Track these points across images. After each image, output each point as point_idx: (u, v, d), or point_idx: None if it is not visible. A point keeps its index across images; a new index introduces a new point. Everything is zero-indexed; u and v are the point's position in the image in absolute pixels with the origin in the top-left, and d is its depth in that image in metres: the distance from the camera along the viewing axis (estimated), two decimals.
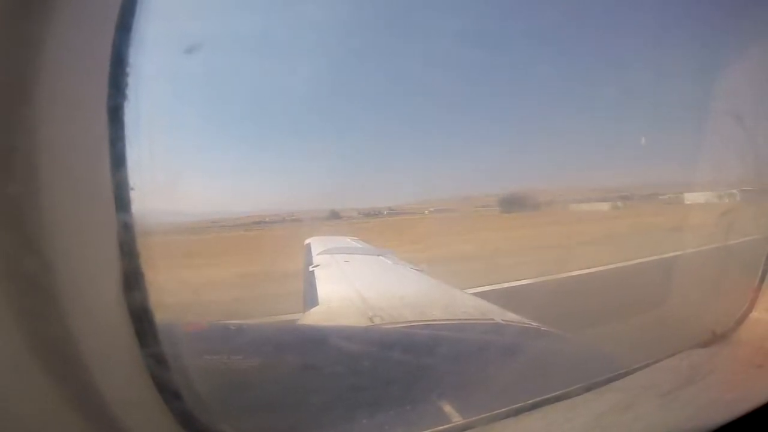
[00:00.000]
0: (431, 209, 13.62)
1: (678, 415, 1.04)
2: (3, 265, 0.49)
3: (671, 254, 3.21)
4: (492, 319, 2.31)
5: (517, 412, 1.05)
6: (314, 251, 4.36)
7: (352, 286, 2.95)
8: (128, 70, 0.56)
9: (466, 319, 2.37)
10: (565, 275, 5.88)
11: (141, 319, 0.64)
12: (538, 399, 1.08)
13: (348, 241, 5.70)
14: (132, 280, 0.62)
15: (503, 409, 1.05)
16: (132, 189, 0.60)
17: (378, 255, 4.34)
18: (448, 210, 13.16)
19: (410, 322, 2.13)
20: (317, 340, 1.82)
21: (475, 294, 3.38)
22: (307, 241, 5.15)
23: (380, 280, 3.44)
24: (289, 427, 1.21)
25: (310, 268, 3.54)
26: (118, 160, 0.58)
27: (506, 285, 5.71)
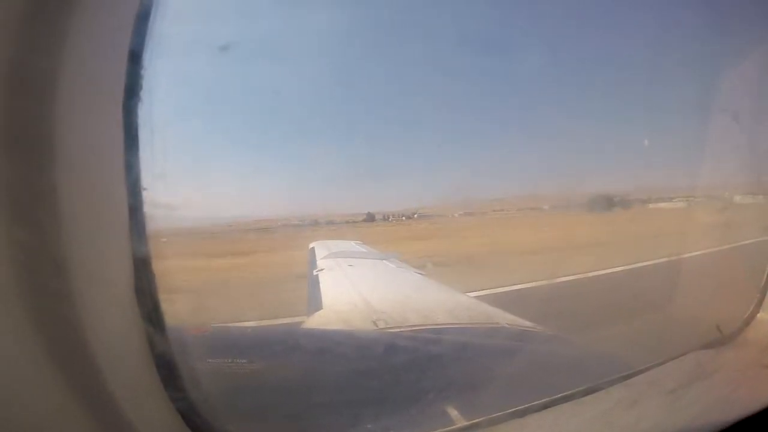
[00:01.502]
0: (460, 212, 13.29)
1: (685, 414, 1.04)
2: (16, 263, 0.49)
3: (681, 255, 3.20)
4: (496, 323, 2.30)
5: (524, 412, 1.04)
6: (318, 255, 4.36)
7: (356, 290, 2.94)
8: (143, 72, 0.57)
9: (470, 323, 2.36)
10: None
11: (151, 320, 0.65)
12: (544, 399, 1.08)
13: (352, 245, 5.69)
14: (143, 280, 0.63)
15: (509, 410, 1.04)
16: (145, 189, 0.61)
17: (382, 259, 4.33)
18: (479, 213, 12.82)
19: (414, 325, 2.13)
20: (321, 344, 1.82)
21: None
22: (311, 245, 5.15)
23: (384, 284, 3.43)
24: (295, 430, 1.21)
25: (314, 272, 3.54)
26: (131, 161, 0.59)
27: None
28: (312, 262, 4.08)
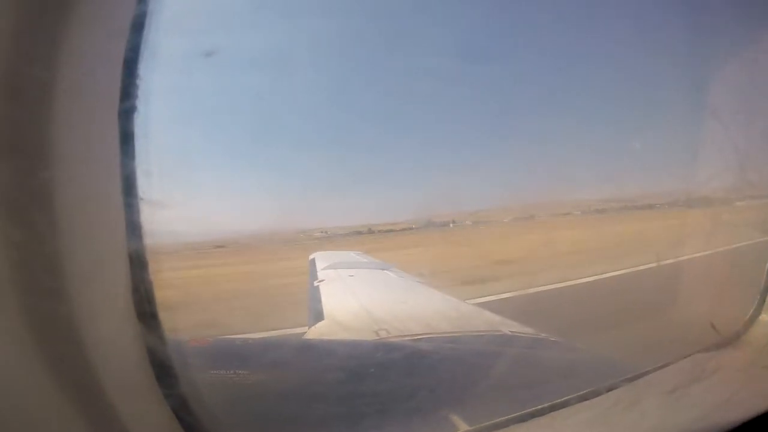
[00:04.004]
0: (510, 218, 12.63)
1: (685, 416, 1.03)
2: (13, 265, 0.50)
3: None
4: (499, 330, 2.29)
5: (524, 417, 1.04)
6: (319, 266, 4.35)
7: (357, 300, 2.94)
8: (138, 81, 0.59)
9: (473, 331, 2.35)
10: None
11: (150, 330, 0.65)
12: (545, 404, 1.07)
13: (352, 255, 5.69)
14: (139, 282, 0.63)
15: (510, 416, 1.04)
16: (141, 199, 0.62)
17: (382, 269, 4.33)
18: (531, 217, 12.15)
19: (416, 334, 2.12)
20: (323, 354, 1.81)
21: None
22: (311, 256, 5.15)
23: (385, 293, 3.43)
24: None
25: (315, 283, 3.54)
26: (127, 170, 0.60)
27: None
28: (313, 273, 4.07)
